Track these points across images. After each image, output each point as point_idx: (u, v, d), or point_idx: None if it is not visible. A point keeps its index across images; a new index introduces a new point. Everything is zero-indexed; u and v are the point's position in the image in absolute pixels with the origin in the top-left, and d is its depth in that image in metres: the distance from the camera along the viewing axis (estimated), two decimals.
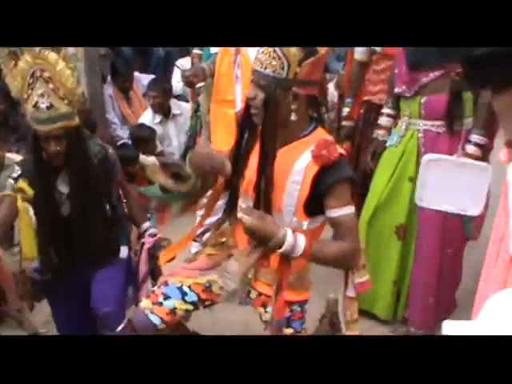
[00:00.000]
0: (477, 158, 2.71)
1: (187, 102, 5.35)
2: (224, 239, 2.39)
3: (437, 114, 2.89)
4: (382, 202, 3.15)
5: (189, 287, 2.28)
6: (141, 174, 4.63)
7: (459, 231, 3.04)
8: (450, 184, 1.63)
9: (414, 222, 3.08)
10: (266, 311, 2.27)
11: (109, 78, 5.37)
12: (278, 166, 2.05)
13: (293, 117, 2.02)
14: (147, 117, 5.11)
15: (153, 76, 5.61)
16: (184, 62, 5.58)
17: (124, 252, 2.82)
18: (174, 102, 5.28)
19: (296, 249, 1.94)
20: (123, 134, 5.18)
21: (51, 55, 2.41)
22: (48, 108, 2.38)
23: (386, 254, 3.21)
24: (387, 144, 3.18)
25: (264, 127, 2.04)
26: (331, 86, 4.24)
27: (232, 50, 3.07)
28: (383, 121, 3.28)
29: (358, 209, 3.41)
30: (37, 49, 2.45)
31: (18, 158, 3.42)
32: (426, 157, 1.58)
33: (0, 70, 2.56)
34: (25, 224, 2.60)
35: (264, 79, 1.99)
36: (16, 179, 2.61)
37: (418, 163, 2.97)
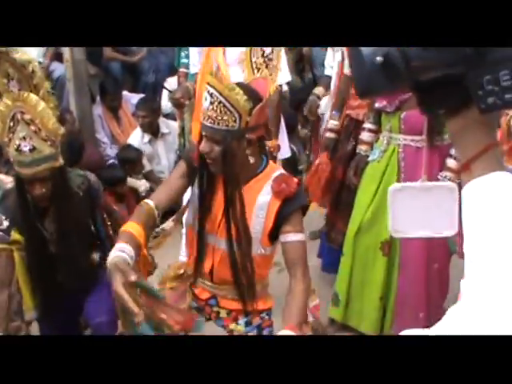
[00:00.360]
0: (458, 173, 2.73)
1: (176, 120, 5.40)
2: (182, 270, 2.48)
3: (416, 129, 2.91)
4: (368, 218, 3.16)
5: None
6: (129, 194, 4.67)
7: (444, 246, 3.05)
8: (420, 210, 1.64)
9: (397, 238, 3.09)
10: (237, 323, 2.40)
11: (98, 98, 5.40)
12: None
13: (251, 160, 2.14)
14: (136, 136, 5.14)
15: (142, 95, 5.64)
16: (172, 81, 5.63)
17: None
18: (162, 121, 5.32)
19: None
20: (112, 153, 5.21)
21: (31, 97, 2.38)
22: (31, 151, 2.35)
23: (372, 271, 3.21)
24: (369, 159, 3.20)
25: (225, 175, 2.14)
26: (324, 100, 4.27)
27: (213, 68, 3.08)
28: (365, 136, 3.30)
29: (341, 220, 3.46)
30: (16, 91, 2.42)
31: (7, 179, 3.41)
32: (391, 187, 1.60)
33: None
34: (24, 275, 2.62)
35: (218, 134, 2.06)
36: (6, 231, 2.56)
37: (399, 178, 2.99)
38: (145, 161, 5.08)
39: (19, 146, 2.35)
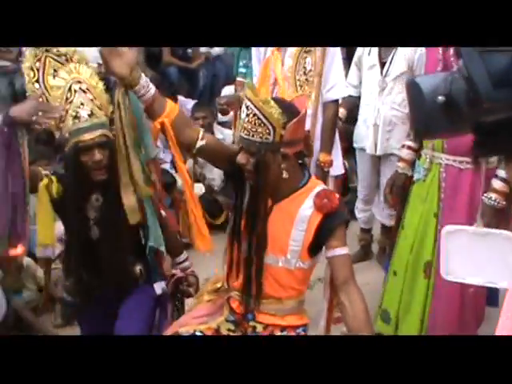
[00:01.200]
0: (504, 194, 2.70)
1: (230, 128, 5.45)
2: (219, 284, 2.57)
3: (460, 149, 2.85)
4: (417, 239, 3.12)
5: (201, 332, 2.39)
6: (180, 200, 4.70)
7: None
8: (474, 255, 1.60)
9: (435, 259, 3.04)
10: None
11: None
12: (282, 215, 2.27)
13: (284, 174, 2.19)
14: None
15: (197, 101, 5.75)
16: (228, 90, 5.70)
17: (158, 289, 2.80)
18: (217, 128, 5.42)
19: None
20: (166, 157, 5.26)
21: (85, 68, 2.51)
22: (90, 116, 2.44)
23: (414, 292, 3.18)
24: (415, 178, 3.16)
25: (255, 188, 2.23)
26: None
27: (270, 80, 3.11)
28: (404, 153, 3.27)
29: None
30: (71, 65, 2.52)
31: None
32: (445, 229, 1.56)
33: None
34: (43, 209, 2.59)
35: (253, 146, 2.14)
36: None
37: (439, 199, 2.98)
38: (198, 167, 5.14)
39: (77, 112, 2.43)
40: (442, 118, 0.92)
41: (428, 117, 0.94)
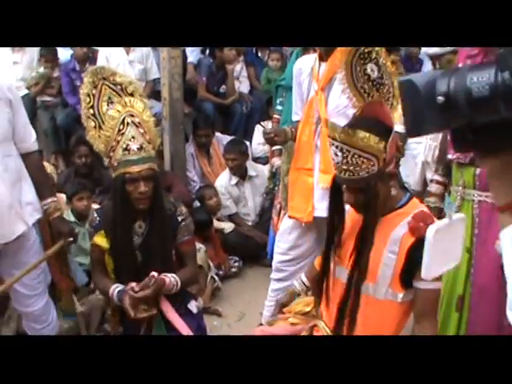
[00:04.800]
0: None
1: (264, 164, 5.62)
2: (309, 308, 2.53)
3: None
4: (451, 274, 3.21)
5: None
6: (215, 235, 4.87)
7: None
8: (443, 246, 1.70)
9: (468, 293, 3.11)
10: None
11: (191, 137, 5.70)
12: (376, 236, 2.20)
13: (393, 192, 2.18)
14: (224, 177, 5.46)
15: (233, 137, 5.96)
16: (264, 125, 5.88)
17: (194, 308, 3.02)
18: (250, 164, 5.61)
19: None
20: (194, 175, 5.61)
21: (139, 103, 2.82)
22: (139, 149, 2.72)
23: (447, 327, 3.23)
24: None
25: (367, 221, 2.18)
26: None
27: (313, 119, 3.26)
28: (433, 188, 3.33)
29: None
30: (125, 99, 2.78)
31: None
32: (430, 231, 1.67)
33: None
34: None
35: (361, 182, 2.15)
36: (95, 230, 2.90)
37: (473, 234, 3.02)
38: (231, 203, 5.35)
39: (128, 145, 2.72)
40: (437, 118, 0.94)
41: (424, 116, 0.96)
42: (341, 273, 2.34)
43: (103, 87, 2.89)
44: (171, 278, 2.82)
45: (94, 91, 2.89)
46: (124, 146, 2.71)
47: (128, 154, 2.70)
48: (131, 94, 2.90)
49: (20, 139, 3.00)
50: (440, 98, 0.93)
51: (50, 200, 3.10)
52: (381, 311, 2.24)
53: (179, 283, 2.84)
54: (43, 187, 3.11)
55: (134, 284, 2.73)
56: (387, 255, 2.19)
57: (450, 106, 0.93)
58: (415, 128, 0.99)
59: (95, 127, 2.84)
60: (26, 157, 3.03)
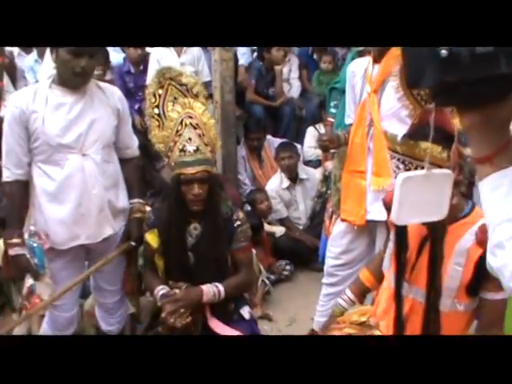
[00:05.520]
0: None
1: (315, 167, 5.59)
2: (365, 318, 2.49)
3: None
4: None
5: None
6: (266, 239, 4.87)
7: None
8: (419, 197, 1.67)
9: None
10: None
11: (242, 139, 5.72)
12: None
13: (456, 200, 2.09)
14: (275, 181, 5.47)
15: (285, 140, 5.97)
16: (313, 130, 5.92)
17: (246, 314, 3.03)
18: (301, 168, 5.61)
19: None
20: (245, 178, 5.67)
21: (199, 105, 2.88)
22: (195, 151, 2.77)
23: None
24: None
25: (435, 226, 2.11)
26: None
27: (366, 122, 3.25)
28: None
29: None
30: (186, 100, 2.82)
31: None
32: (400, 176, 1.64)
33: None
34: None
35: None
36: (148, 228, 2.97)
37: None
38: (282, 207, 5.35)
39: (184, 146, 2.78)
40: (438, 71, 0.96)
41: (426, 68, 0.98)
42: (410, 291, 2.27)
43: (169, 87, 2.96)
44: (212, 288, 2.84)
45: (160, 91, 2.96)
46: (180, 147, 2.76)
47: (184, 155, 2.75)
48: (196, 95, 2.96)
49: (125, 146, 3.19)
50: (444, 52, 0.95)
51: (136, 200, 3.24)
52: (446, 322, 2.19)
53: (222, 292, 2.86)
54: (135, 189, 3.27)
55: (177, 290, 2.76)
56: (453, 267, 2.14)
57: (452, 59, 0.95)
58: (415, 79, 1.01)
59: (159, 126, 2.90)
60: (126, 161, 3.22)
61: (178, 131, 2.79)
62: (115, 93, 3.10)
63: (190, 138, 2.76)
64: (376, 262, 2.58)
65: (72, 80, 2.85)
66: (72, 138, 2.86)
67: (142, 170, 5.16)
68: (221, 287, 2.85)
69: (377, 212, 3.05)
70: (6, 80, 5.90)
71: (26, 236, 2.94)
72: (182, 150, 2.76)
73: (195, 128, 2.78)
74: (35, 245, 2.91)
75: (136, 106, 5.83)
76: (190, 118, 2.80)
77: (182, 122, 2.79)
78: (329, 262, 3.60)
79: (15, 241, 2.87)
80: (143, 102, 5.15)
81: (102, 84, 3.08)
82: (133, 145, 3.27)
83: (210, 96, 5.57)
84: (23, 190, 2.96)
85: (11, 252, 2.87)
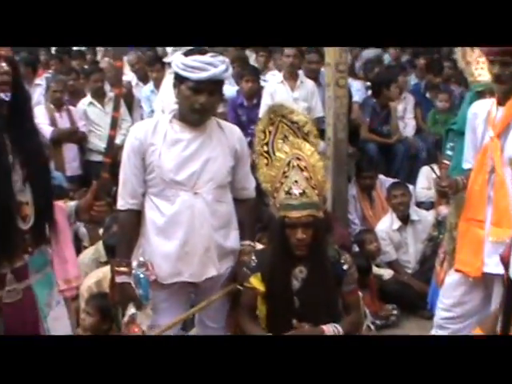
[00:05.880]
0: None
1: (427, 209, 5.44)
2: None
3: None
4: None
5: None
6: (373, 281, 4.76)
7: None
8: None
9: None
10: None
11: (353, 178, 5.65)
12: None
13: None
14: (386, 222, 5.35)
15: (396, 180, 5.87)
16: (426, 171, 5.79)
17: None
18: (413, 209, 5.46)
19: None
20: None
21: (308, 146, 2.85)
22: (301, 194, 2.75)
23: None
24: None
25: None
26: None
27: (487, 168, 3.14)
28: None
29: None
30: (295, 140, 2.81)
31: (258, 246, 3.76)
32: None
33: None
34: None
35: None
36: (251, 271, 2.93)
37: None
38: (391, 249, 5.21)
39: (290, 188, 2.75)
40: None
41: None
42: None
43: (280, 124, 2.96)
44: (331, 328, 2.80)
45: (270, 128, 2.97)
46: (286, 189, 2.75)
47: (290, 197, 2.74)
48: (306, 134, 2.95)
49: (241, 187, 3.11)
50: None
51: (247, 242, 3.14)
52: None
53: (341, 333, 2.82)
54: (247, 230, 3.17)
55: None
56: None
57: None
58: None
59: (267, 164, 2.89)
60: (242, 202, 3.14)
61: (284, 172, 2.78)
62: (235, 133, 3.05)
63: (296, 181, 2.75)
64: (491, 321, 2.45)
65: (191, 116, 2.85)
66: (185, 176, 2.86)
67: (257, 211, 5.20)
68: (339, 328, 2.82)
69: (494, 265, 2.89)
70: (123, 109, 6.15)
71: (134, 264, 2.97)
72: (288, 193, 2.75)
73: (302, 170, 2.75)
74: (142, 276, 2.93)
75: (247, 140, 5.89)
76: (298, 159, 2.77)
77: (289, 164, 2.77)
78: (439, 314, 3.48)
79: (123, 269, 2.89)
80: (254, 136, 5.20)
81: (222, 122, 3.07)
82: (250, 186, 3.16)
83: (323, 132, 5.57)
84: (135, 219, 2.99)
85: (118, 279, 2.90)
